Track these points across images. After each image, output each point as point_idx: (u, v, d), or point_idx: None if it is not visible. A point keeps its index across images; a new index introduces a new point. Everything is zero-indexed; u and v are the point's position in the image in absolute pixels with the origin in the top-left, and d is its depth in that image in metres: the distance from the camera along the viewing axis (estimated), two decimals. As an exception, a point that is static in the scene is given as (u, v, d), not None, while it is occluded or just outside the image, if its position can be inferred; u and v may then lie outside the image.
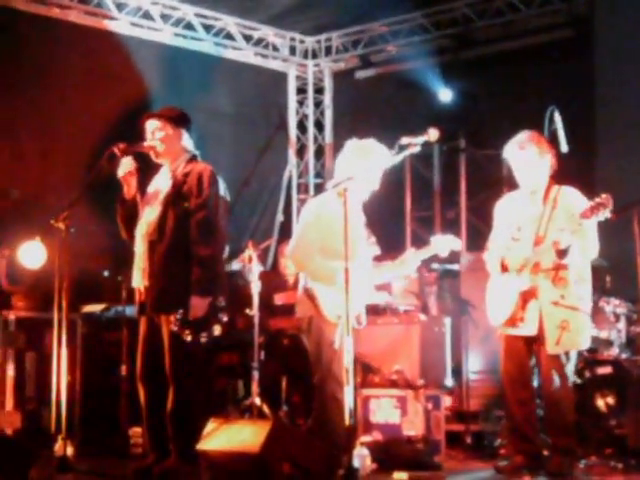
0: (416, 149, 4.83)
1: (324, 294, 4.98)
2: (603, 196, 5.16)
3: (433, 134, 4.77)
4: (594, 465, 5.81)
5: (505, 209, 5.77)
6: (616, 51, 8.08)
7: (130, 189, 5.22)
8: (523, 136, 5.61)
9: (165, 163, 5.31)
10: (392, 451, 5.78)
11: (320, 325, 5.01)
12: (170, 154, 5.27)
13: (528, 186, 5.64)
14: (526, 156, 5.56)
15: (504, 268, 5.58)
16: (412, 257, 5.24)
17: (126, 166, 5.15)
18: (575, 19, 8.63)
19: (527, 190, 5.66)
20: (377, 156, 5.13)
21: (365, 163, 5.09)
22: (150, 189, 5.33)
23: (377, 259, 5.30)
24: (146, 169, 5.34)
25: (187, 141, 5.31)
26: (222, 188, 5.23)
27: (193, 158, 5.30)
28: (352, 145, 5.25)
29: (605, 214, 5.15)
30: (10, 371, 6.76)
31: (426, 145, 4.83)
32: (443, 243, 5.28)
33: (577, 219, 5.21)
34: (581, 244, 5.36)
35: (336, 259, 4.81)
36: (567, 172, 5.72)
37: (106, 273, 7.75)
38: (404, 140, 4.78)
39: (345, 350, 4.54)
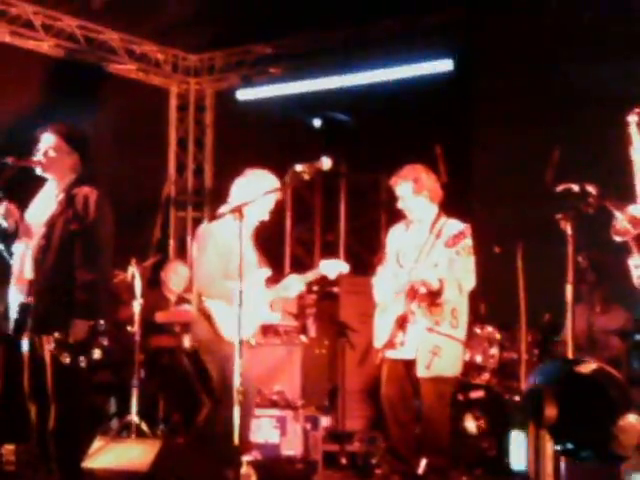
0: (308, 176, 4.93)
1: (221, 314, 5.04)
2: (464, 226, 5.43)
3: (326, 163, 4.88)
4: (465, 485, 6.07)
5: (395, 236, 5.95)
6: (493, 88, 8.47)
7: (10, 222, 5.08)
8: (402, 171, 5.80)
9: (52, 180, 5.22)
10: (272, 471, 5.86)
11: (220, 345, 5.07)
12: (59, 172, 5.16)
13: (411, 216, 5.84)
14: (402, 190, 5.76)
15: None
16: (294, 282, 5.36)
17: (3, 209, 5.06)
18: (454, 53, 8.93)
19: (414, 219, 5.86)
20: (270, 185, 5.27)
21: (259, 190, 5.20)
22: (36, 205, 5.23)
23: (267, 281, 5.40)
24: (33, 181, 5.24)
25: (78, 162, 5.23)
26: (109, 212, 5.18)
27: (81, 180, 5.22)
28: (248, 173, 5.40)
29: (467, 242, 5.41)
30: None
31: (318, 173, 4.93)
32: (331, 266, 5.45)
33: (449, 250, 5.44)
34: (456, 278, 5.54)
35: (234, 280, 4.87)
36: (447, 202, 5.95)
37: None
38: (298, 167, 4.88)
39: (236, 371, 4.60)
